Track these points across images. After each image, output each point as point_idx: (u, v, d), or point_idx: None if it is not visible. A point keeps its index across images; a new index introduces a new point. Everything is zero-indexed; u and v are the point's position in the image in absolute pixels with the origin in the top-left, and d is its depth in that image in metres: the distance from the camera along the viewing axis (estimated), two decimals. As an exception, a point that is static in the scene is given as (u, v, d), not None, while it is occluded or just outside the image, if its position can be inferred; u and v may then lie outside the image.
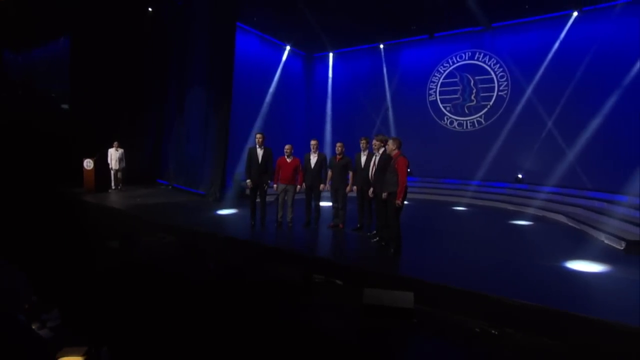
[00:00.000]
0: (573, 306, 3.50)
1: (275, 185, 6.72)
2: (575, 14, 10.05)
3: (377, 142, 5.71)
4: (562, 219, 8.43)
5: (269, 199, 7.05)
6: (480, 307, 3.72)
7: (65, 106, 11.67)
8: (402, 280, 4.20)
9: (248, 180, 6.61)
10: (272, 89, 12.75)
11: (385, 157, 5.43)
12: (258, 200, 6.81)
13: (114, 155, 10.69)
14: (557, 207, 9.05)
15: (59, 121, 11.28)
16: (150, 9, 11.95)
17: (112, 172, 10.72)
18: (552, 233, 7.20)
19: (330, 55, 14.37)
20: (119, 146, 10.76)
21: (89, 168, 10.29)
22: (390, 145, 5.21)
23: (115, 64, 11.48)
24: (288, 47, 13.37)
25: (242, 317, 3.58)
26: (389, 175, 5.23)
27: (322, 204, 6.99)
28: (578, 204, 8.78)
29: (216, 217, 7.72)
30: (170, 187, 12.07)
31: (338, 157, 6.69)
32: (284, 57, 13.30)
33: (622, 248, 5.76)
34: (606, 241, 6.26)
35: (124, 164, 10.89)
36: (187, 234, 6.30)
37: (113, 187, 10.72)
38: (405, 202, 5.21)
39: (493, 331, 3.51)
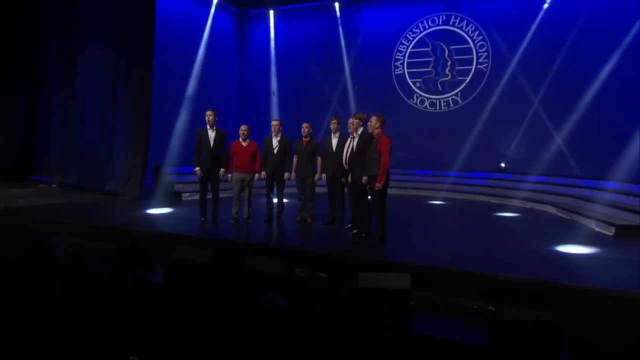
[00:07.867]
0: (565, 279, 4.93)
1: (229, 175, 7.62)
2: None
3: (356, 121, 6.88)
4: (550, 209, 10.35)
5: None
6: (475, 287, 5.03)
7: None
8: (394, 265, 5.41)
9: (197, 169, 7.46)
10: (199, 54, 13.46)
11: (367, 137, 6.62)
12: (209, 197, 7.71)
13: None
14: (544, 198, 11.01)
15: None
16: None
17: None
18: (540, 223, 9.02)
19: (271, 13, 15.36)
20: None
21: None
22: (374, 122, 6.41)
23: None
24: (215, 0, 14.13)
25: (219, 314, 4.51)
26: (369, 157, 6.43)
27: (284, 199, 8.01)
28: (567, 193, 10.80)
29: (148, 217, 8.45)
30: (54, 185, 12.25)
31: (305, 140, 7.77)
32: (212, 13, 14.05)
33: (612, 234, 7.58)
34: (596, 228, 8.07)
35: None
36: (119, 235, 6.94)
37: None
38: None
39: (490, 307, 4.83)
